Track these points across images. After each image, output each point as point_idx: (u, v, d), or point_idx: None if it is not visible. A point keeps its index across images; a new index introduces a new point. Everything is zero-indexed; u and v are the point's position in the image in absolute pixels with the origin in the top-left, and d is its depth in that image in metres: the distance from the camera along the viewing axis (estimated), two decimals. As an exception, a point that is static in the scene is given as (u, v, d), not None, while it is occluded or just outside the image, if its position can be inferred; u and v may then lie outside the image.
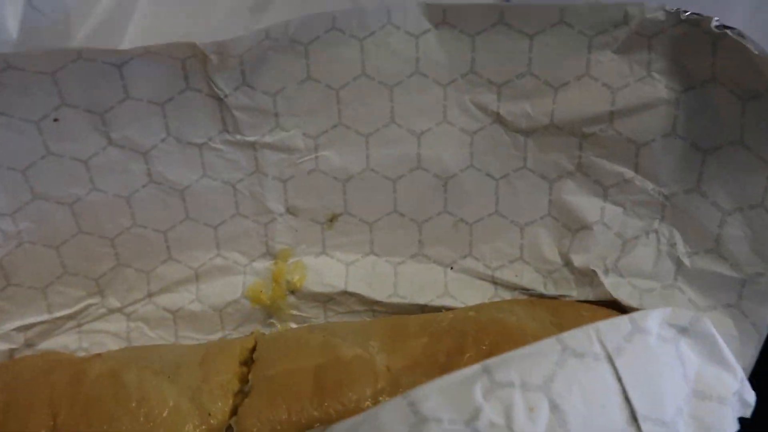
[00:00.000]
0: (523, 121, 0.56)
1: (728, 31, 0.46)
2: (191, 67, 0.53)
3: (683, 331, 0.40)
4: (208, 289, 0.63)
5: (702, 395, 0.39)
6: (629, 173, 0.54)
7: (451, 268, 0.62)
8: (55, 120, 0.54)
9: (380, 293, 0.62)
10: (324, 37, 0.54)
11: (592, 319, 0.51)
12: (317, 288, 0.62)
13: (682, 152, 0.52)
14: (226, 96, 0.55)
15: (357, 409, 0.47)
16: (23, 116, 0.53)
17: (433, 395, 0.36)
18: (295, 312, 0.63)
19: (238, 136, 0.57)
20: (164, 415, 0.48)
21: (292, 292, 0.63)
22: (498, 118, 0.57)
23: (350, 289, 0.62)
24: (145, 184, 0.58)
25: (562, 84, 0.54)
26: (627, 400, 0.36)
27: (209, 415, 0.48)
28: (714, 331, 0.40)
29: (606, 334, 0.38)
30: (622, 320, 0.39)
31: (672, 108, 0.51)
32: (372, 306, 0.62)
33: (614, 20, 0.51)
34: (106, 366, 0.53)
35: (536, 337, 0.49)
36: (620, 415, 0.36)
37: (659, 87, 0.51)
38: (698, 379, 0.39)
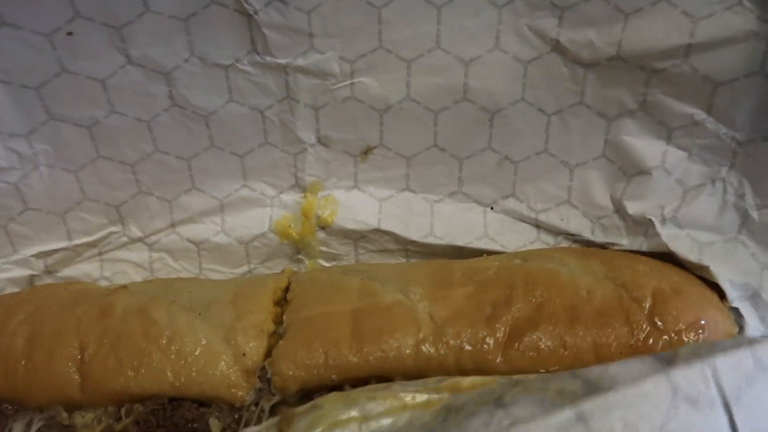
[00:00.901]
0: (586, 51, 0.50)
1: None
2: (217, -23, 0.48)
3: None
4: (234, 221, 0.61)
5: None
6: (700, 114, 0.50)
7: (492, 208, 0.59)
8: (69, 33, 0.49)
9: (416, 232, 0.59)
10: (367, -54, 0.48)
11: (650, 274, 0.48)
12: (349, 225, 0.59)
13: (766, 94, 0.47)
14: (256, 12, 0.50)
15: (398, 358, 0.45)
16: (34, 28, 0.49)
17: None
18: (324, 248, 0.61)
19: (268, 58, 0.52)
20: (197, 353, 0.47)
21: (323, 228, 0.60)
22: (557, 47, 0.51)
23: (384, 227, 0.59)
24: (167, 108, 0.54)
25: (635, 10, 0.48)
26: None
27: (244, 355, 0.46)
28: None
29: (724, 374, 0.34)
30: (745, 356, 0.35)
31: (762, 43, 0.45)
32: (406, 245, 0.60)
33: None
34: (134, 300, 0.51)
35: (591, 292, 0.47)
36: None
37: (750, 18, 0.45)
38: None
